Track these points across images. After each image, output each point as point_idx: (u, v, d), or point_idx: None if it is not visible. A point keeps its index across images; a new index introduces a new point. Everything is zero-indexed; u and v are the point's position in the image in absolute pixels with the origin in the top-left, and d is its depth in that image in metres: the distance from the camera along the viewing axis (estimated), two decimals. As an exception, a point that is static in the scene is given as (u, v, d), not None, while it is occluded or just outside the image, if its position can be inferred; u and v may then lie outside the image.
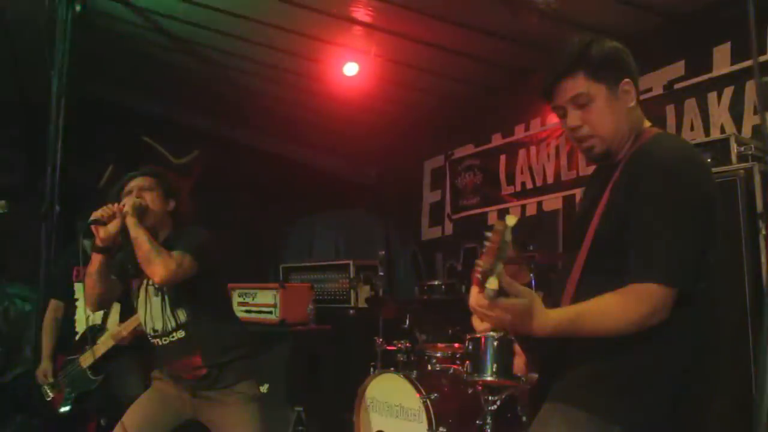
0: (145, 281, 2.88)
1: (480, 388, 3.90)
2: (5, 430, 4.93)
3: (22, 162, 5.65)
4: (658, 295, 1.60)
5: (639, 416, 1.68)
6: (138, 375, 3.65)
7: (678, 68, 4.20)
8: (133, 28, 5.28)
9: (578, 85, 1.79)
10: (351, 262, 5.49)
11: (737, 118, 3.80)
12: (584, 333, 1.63)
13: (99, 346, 3.75)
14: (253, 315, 5.07)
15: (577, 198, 4.77)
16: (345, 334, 5.16)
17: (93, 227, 2.63)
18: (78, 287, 4.00)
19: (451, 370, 4.13)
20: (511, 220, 1.47)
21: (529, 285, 3.92)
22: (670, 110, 4.17)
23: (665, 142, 1.80)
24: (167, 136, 6.74)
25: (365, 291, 5.37)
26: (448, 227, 6.26)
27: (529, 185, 5.36)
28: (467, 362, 3.86)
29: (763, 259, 2.72)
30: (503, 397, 3.84)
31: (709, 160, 2.87)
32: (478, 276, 1.49)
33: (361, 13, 4.58)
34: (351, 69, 5.11)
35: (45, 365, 3.88)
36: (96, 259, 2.66)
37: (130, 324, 3.70)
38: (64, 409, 3.79)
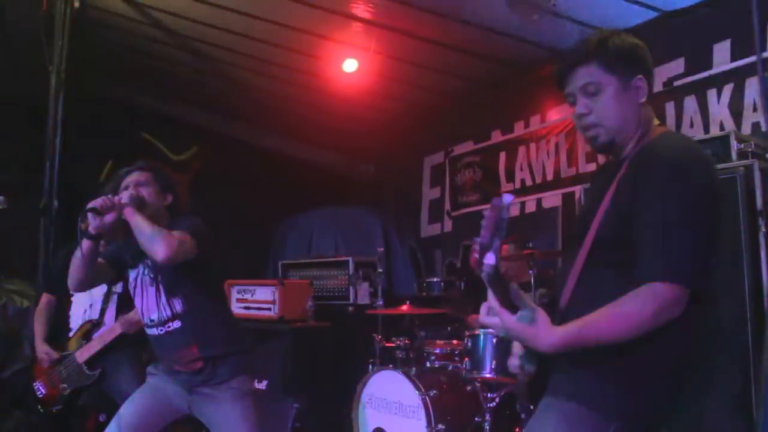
0: (141, 270, 2.88)
1: (479, 385, 3.91)
2: (4, 426, 4.93)
3: (21, 158, 5.64)
4: (665, 293, 1.59)
5: (637, 412, 1.68)
6: (133, 370, 3.64)
7: (678, 65, 4.19)
8: (132, 24, 5.27)
9: (590, 73, 1.82)
10: (350, 259, 5.48)
11: (736, 116, 3.80)
12: (593, 343, 1.61)
13: (95, 341, 3.74)
14: (252, 312, 5.07)
15: (577, 195, 4.76)
16: (344, 330, 5.16)
17: (90, 214, 2.62)
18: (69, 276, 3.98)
19: (450, 367, 4.14)
20: (507, 199, 1.48)
21: (528, 282, 3.93)
22: (669, 107, 4.17)
23: (672, 140, 1.80)
24: (166, 132, 6.75)
25: (364, 288, 5.37)
26: (448, 224, 6.26)
27: (529, 182, 5.36)
28: (466, 359, 3.89)
29: (763, 256, 2.71)
30: (502, 394, 3.86)
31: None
32: (476, 255, 1.49)
33: (360, 10, 4.58)
34: (350, 65, 5.11)
35: (42, 347, 3.86)
36: (85, 244, 2.66)
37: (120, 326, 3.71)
38: (57, 407, 3.78)
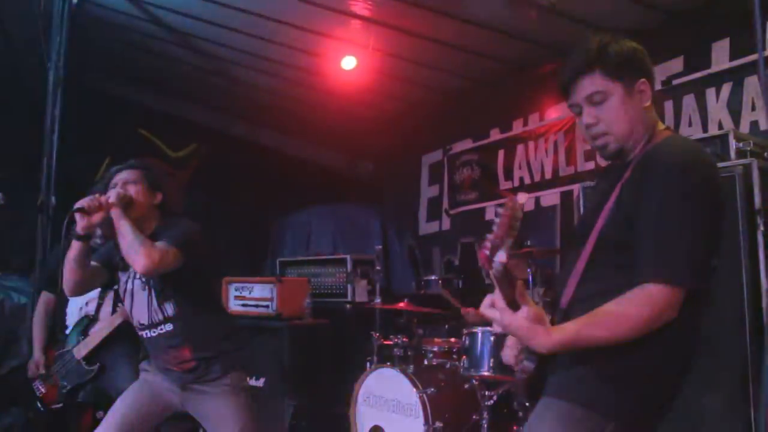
0: (132, 273, 2.86)
1: (476, 383, 3.91)
2: (1, 423, 4.92)
3: (19, 154, 5.63)
4: (662, 295, 1.60)
5: (634, 412, 1.69)
6: (130, 367, 3.63)
7: (677, 64, 4.20)
8: (131, 21, 5.25)
9: (595, 82, 1.81)
10: (348, 257, 5.48)
11: (735, 114, 3.81)
12: (592, 344, 1.62)
13: (93, 337, 3.74)
14: (250, 309, 5.06)
15: (575, 194, 4.76)
16: (342, 328, 5.16)
17: (77, 214, 2.61)
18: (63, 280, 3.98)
19: (448, 365, 4.14)
20: (522, 198, 1.49)
21: (526, 280, 3.93)
22: (668, 106, 4.17)
23: (677, 143, 1.80)
24: (164, 129, 6.73)
25: (362, 285, 5.37)
26: (446, 222, 6.26)
27: (527, 180, 5.36)
28: (464, 357, 3.89)
29: (761, 255, 2.72)
30: (500, 392, 3.86)
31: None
32: (486, 252, 1.50)
33: (359, 7, 4.57)
34: (349, 63, 5.10)
35: (37, 357, 3.87)
36: (75, 246, 2.64)
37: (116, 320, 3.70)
38: (57, 405, 3.78)
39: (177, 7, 4.90)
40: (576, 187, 4.72)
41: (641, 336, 1.60)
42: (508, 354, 1.87)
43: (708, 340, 1.78)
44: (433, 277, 5.27)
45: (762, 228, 2.72)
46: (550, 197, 5.11)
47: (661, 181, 1.67)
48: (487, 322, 4.00)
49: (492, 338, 3.77)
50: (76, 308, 3.88)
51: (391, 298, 4.88)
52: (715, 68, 3.94)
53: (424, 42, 4.96)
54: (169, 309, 2.80)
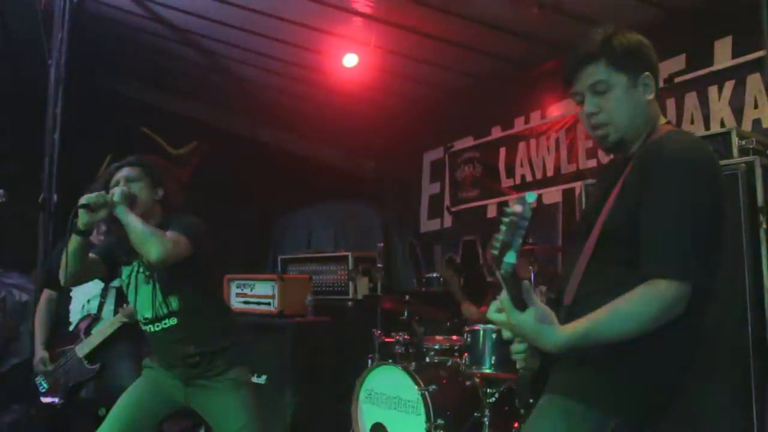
0: (135, 268, 2.87)
1: (478, 380, 3.92)
2: (3, 420, 4.93)
3: (20, 152, 5.63)
4: (669, 290, 1.59)
5: (637, 408, 1.69)
6: (132, 364, 3.64)
7: (679, 62, 4.19)
8: (132, 18, 5.25)
9: (599, 72, 1.80)
10: (350, 254, 5.48)
11: (737, 112, 3.81)
12: (601, 342, 1.62)
13: (95, 335, 3.74)
14: (251, 306, 5.06)
15: (577, 191, 4.76)
16: (343, 325, 5.16)
17: (81, 210, 2.61)
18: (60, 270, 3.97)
19: (450, 362, 4.14)
20: (531, 197, 1.47)
21: (529, 278, 3.93)
22: (670, 104, 4.17)
23: (679, 138, 1.79)
24: (165, 126, 6.73)
25: (364, 282, 5.37)
26: (448, 220, 6.27)
27: (529, 178, 5.36)
28: (466, 354, 3.90)
29: (764, 253, 2.72)
30: (501, 389, 3.86)
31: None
32: (495, 252, 1.49)
33: (360, 4, 4.57)
34: (351, 60, 5.10)
35: (41, 353, 3.87)
36: (74, 239, 2.65)
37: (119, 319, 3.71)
38: (59, 400, 3.78)
39: (178, 4, 4.90)
40: (578, 185, 4.73)
41: (647, 332, 1.60)
42: (519, 350, 1.86)
43: (710, 337, 1.78)
44: (434, 275, 5.27)
45: (765, 225, 2.72)
46: (552, 195, 5.11)
47: (663, 176, 1.67)
48: (482, 319, 4.03)
49: (494, 336, 3.77)
50: (78, 306, 3.89)
51: (392, 295, 4.89)
52: (717, 66, 3.94)
53: (425, 39, 4.95)
54: (174, 303, 2.81)
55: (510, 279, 1.53)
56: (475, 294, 4.87)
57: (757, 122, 3.68)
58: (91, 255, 2.81)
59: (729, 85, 3.85)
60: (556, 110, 5.16)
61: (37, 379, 3.84)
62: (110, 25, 5.46)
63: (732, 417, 2.74)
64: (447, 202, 6.27)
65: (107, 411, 2.94)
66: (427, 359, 4.24)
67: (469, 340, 3.89)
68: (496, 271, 1.52)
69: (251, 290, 5.09)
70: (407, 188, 6.80)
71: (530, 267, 3.95)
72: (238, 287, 5.20)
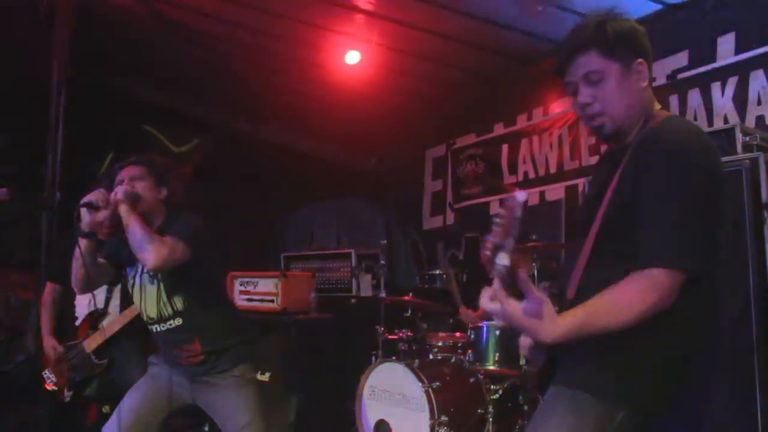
0: (140, 269, 2.88)
1: (482, 376, 3.92)
2: (7, 418, 4.94)
3: (22, 150, 5.63)
4: (664, 280, 1.59)
5: (643, 400, 1.69)
6: (139, 361, 3.64)
7: (681, 58, 4.19)
8: (134, 16, 5.25)
9: (591, 61, 1.78)
10: (353, 251, 5.48)
11: (741, 109, 3.80)
12: (597, 331, 1.61)
13: (103, 330, 3.75)
14: (254, 303, 5.07)
15: (580, 188, 4.77)
16: (346, 322, 5.17)
17: (84, 210, 2.61)
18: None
19: (453, 359, 4.14)
20: (521, 197, 1.45)
21: (532, 275, 3.93)
22: (673, 100, 4.16)
23: (675, 125, 1.77)
24: (167, 124, 6.73)
25: (367, 280, 5.38)
26: (450, 217, 6.27)
27: (532, 175, 5.36)
28: (469, 351, 3.90)
29: (768, 249, 2.72)
30: (505, 385, 3.87)
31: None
32: (488, 252, 1.48)
33: (362, 1, 4.57)
34: (353, 57, 5.11)
35: (49, 341, 3.87)
36: (81, 243, 2.65)
37: (128, 315, 3.71)
38: (67, 395, 3.79)
39: (180, 2, 4.89)
40: (581, 182, 4.74)
41: (646, 322, 1.59)
42: (525, 346, 1.86)
43: (714, 330, 1.79)
44: (437, 272, 5.27)
45: (769, 221, 2.73)
46: (555, 191, 5.11)
47: (659, 165, 1.66)
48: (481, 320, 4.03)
49: (497, 332, 3.78)
50: (85, 300, 3.89)
51: (395, 292, 4.89)
52: (720, 62, 3.93)
53: (427, 36, 4.95)
54: (179, 303, 2.82)
55: (505, 279, 1.51)
56: (478, 294, 4.86)
57: (760, 118, 3.68)
58: (99, 260, 2.81)
59: (732, 82, 3.85)
60: (558, 107, 5.16)
61: (44, 372, 3.85)
62: (113, 23, 5.46)
63: (736, 411, 2.74)
64: (449, 199, 6.28)
65: (112, 407, 2.95)
66: (431, 356, 4.25)
67: (472, 336, 3.90)
68: (491, 272, 1.51)
69: (254, 287, 5.10)
70: (409, 185, 6.80)
71: (533, 264, 3.95)
72: (241, 284, 5.21)
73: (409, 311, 4.48)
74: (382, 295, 4.65)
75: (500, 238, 1.46)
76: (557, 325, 1.58)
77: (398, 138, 6.91)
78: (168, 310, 2.82)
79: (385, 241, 5.03)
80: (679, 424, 1.77)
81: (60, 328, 3.93)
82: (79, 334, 3.82)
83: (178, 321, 2.84)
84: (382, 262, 4.83)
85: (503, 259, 1.44)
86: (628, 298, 1.60)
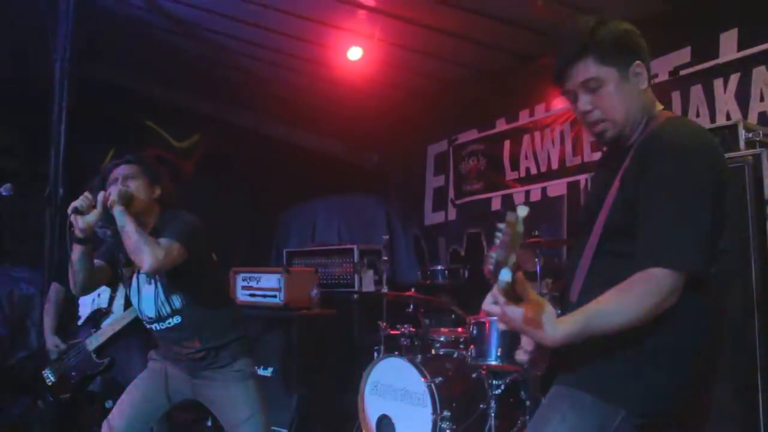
0: (136, 269, 2.87)
1: (484, 372, 3.94)
2: (11, 413, 4.95)
3: (24, 145, 5.64)
4: (665, 280, 1.58)
5: (644, 400, 1.69)
6: (142, 358, 3.65)
7: (684, 54, 4.19)
8: (136, 11, 5.25)
9: (588, 69, 1.76)
10: (355, 247, 5.49)
11: (743, 105, 3.81)
12: (599, 333, 1.59)
13: (105, 329, 3.76)
14: (257, 299, 5.08)
15: (582, 184, 4.77)
16: (349, 318, 5.18)
17: (72, 217, 2.61)
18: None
19: (455, 354, 4.15)
20: (522, 211, 1.43)
21: (534, 272, 3.94)
22: (675, 96, 4.17)
23: (677, 125, 1.77)
24: (170, 119, 6.73)
25: (369, 275, 5.38)
26: (452, 212, 6.28)
27: (534, 171, 5.36)
28: (471, 347, 3.91)
29: (771, 246, 2.72)
30: (507, 381, 3.88)
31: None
32: (491, 268, 1.47)
33: (365, -3, 4.58)
34: (355, 53, 5.11)
35: (52, 339, 3.88)
36: (76, 249, 2.64)
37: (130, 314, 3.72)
38: (65, 394, 3.80)
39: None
40: (582, 178, 4.75)
41: (650, 323, 1.59)
42: (522, 354, 1.84)
43: (717, 329, 1.79)
44: (438, 267, 5.28)
45: (772, 218, 2.73)
46: (557, 187, 5.12)
47: (662, 164, 1.65)
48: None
49: (500, 328, 3.78)
50: (88, 300, 3.90)
51: (397, 288, 4.90)
52: (722, 59, 3.93)
53: (430, 32, 4.95)
54: (177, 302, 2.82)
55: (507, 293, 1.49)
56: (480, 291, 4.87)
57: (762, 115, 3.69)
58: (96, 261, 2.81)
59: (734, 78, 3.85)
60: (560, 103, 5.16)
61: (44, 371, 3.86)
62: (115, 18, 5.46)
63: (738, 410, 2.75)
64: (451, 195, 6.29)
65: (114, 403, 2.96)
66: (433, 351, 4.26)
67: (475, 332, 3.91)
68: (494, 284, 1.50)
69: (257, 283, 5.10)
70: (411, 181, 6.81)
71: (536, 260, 3.96)
72: (244, 280, 5.21)
73: (411, 307, 4.49)
74: (385, 290, 4.66)
75: (502, 255, 1.44)
76: (558, 328, 1.57)
77: (400, 134, 6.91)
78: (166, 309, 2.83)
79: (387, 237, 5.03)
80: (681, 422, 1.77)
81: (63, 327, 3.93)
82: (81, 333, 3.83)
83: (177, 319, 2.84)
84: (385, 257, 4.83)
85: (506, 276, 1.43)
86: (630, 298, 1.59)
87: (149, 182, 2.87)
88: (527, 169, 5.43)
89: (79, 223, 2.59)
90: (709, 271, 1.65)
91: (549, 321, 1.56)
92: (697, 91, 4.07)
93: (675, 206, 1.62)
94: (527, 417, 3.79)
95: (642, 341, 1.64)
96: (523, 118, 5.53)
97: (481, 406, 3.86)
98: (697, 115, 4.03)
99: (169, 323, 2.85)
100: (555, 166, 5.17)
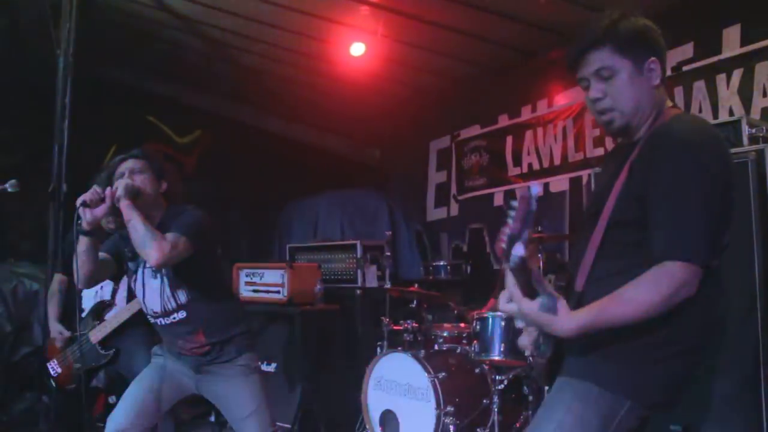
0: (142, 264, 2.89)
1: (487, 367, 3.95)
2: (15, 408, 4.97)
3: (27, 141, 5.65)
4: (680, 273, 1.61)
5: (649, 392, 1.72)
6: (145, 351, 3.66)
7: (687, 50, 4.19)
8: (139, 8, 5.25)
9: (604, 57, 1.81)
10: (358, 242, 5.50)
11: (746, 101, 3.80)
12: (613, 326, 1.63)
13: (109, 321, 3.77)
14: (260, 295, 5.09)
15: (584, 180, 4.78)
16: (352, 313, 5.19)
17: (80, 210, 2.62)
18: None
19: (458, 350, 4.17)
20: (534, 189, 1.48)
21: (537, 266, 3.94)
22: (678, 92, 4.16)
23: (686, 120, 1.81)
24: (172, 115, 6.74)
25: (372, 271, 5.39)
26: (454, 208, 6.29)
27: (536, 166, 5.37)
28: (474, 342, 3.92)
29: (774, 240, 2.73)
30: (510, 376, 3.89)
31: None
32: (503, 245, 1.51)
33: (368, -7, 4.57)
34: (358, 49, 5.10)
35: (55, 326, 3.89)
36: (83, 241, 2.66)
37: (134, 306, 3.73)
38: (70, 386, 3.82)
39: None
40: (585, 173, 4.75)
41: (658, 315, 1.62)
42: (526, 340, 1.89)
43: (720, 323, 1.80)
44: (441, 263, 5.29)
45: (774, 213, 2.73)
46: (560, 183, 5.12)
47: (671, 159, 1.68)
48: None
49: (502, 323, 3.80)
50: (91, 292, 3.91)
51: (400, 283, 4.91)
52: (725, 54, 3.93)
53: (432, 28, 4.95)
54: (182, 296, 2.83)
55: (519, 270, 1.55)
56: (481, 286, 4.90)
57: (765, 110, 3.68)
58: (101, 255, 2.82)
59: (737, 74, 3.85)
60: (563, 98, 5.17)
61: (49, 363, 3.88)
62: (117, 15, 5.46)
63: (740, 404, 2.75)
64: (454, 191, 6.29)
65: (118, 398, 2.97)
66: (436, 347, 4.27)
67: (478, 327, 3.92)
68: (505, 263, 1.54)
69: (260, 279, 5.11)
70: (414, 177, 6.81)
71: (539, 255, 3.96)
72: (247, 276, 5.22)
73: (414, 302, 4.50)
74: (388, 286, 4.67)
75: (516, 230, 1.48)
76: (572, 320, 1.62)
77: (403, 129, 6.92)
78: (171, 304, 2.84)
79: (390, 233, 5.04)
80: (685, 413, 1.79)
81: (66, 320, 3.95)
82: (85, 326, 3.84)
83: (182, 314, 2.85)
84: (387, 253, 4.84)
85: (519, 250, 1.47)
86: (644, 291, 1.62)
87: (155, 176, 2.89)
88: (530, 165, 5.44)
89: (87, 216, 2.62)
90: (717, 264, 1.69)
91: (563, 313, 1.61)
92: (699, 87, 4.07)
93: (686, 200, 1.65)
94: (530, 412, 3.81)
95: (647, 333, 1.66)
96: (526, 113, 5.53)
97: (485, 401, 3.87)
98: (700, 111, 4.03)
99: (174, 318, 2.86)
100: (557, 161, 5.17)
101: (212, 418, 4.65)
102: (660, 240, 1.65)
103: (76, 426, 3.89)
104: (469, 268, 5.24)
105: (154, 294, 2.87)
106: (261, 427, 2.86)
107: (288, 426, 4.49)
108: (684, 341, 1.71)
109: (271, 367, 4.73)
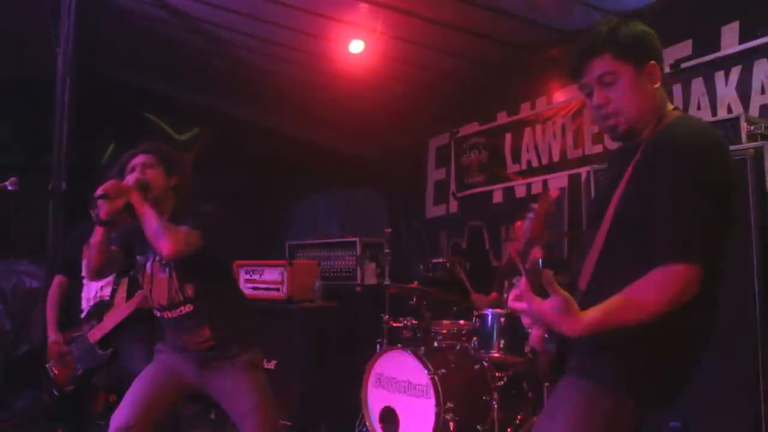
0: (151, 257, 2.90)
1: (487, 364, 3.96)
2: (16, 406, 4.98)
3: (26, 139, 5.65)
4: (686, 274, 1.62)
5: (653, 390, 1.74)
6: (144, 350, 3.67)
7: (685, 47, 4.18)
8: (138, 5, 5.25)
9: (605, 64, 1.85)
10: (357, 240, 5.51)
11: (744, 98, 3.80)
12: (620, 326, 1.64)
13: (107, 321, 3.78)
14: (260, 292, 5.10)
15: (583, 177, 4.78)
16: (351, 311, 5.20)
17: (99, 201, 2.64)
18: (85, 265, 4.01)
19: (458, 347, 4.18)
20: (554, 194, 1.55)
21: (551, 270, 3.95)
22: (676, 90, 4.16)
23: (688, 123, 1.83)
24: (171, 113, 6.73)
25: (371, 268, 5.40)
26: (453, 205, 6.29)
27: (535, 163, 5.37)
28: (474, 339, 3.93)
29: (772, 238, 2.74)
30: (510, 373, 3.91)
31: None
32: (520, 248, 1.53)
33: (366, -10, 4.57)
34: (356, 46, 5.10)
35: (54, 337, 3.91)
36: (98, 231, 2.69)
37: (132, 304, 3.74)
38: (69, 387, 3.82)
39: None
40: (584, 170, 4.74)
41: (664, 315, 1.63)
42: (536, 337, 1.90)
43: (720, 321, 1.82)
44: (440, 260, 5.30)
45: (773, 210, 2.74)
46: (558, 180, 5.13)
47: (673, 161, 1.70)
48: (492, 306, 4.07)
49: (502, 320, 3.81)
50: (91, 292, 3.92)
51: (399, 280, 4.92)
52: (724, 52, 3.93)
53: (431, 25, 4.95)
54: (190, 290, 2.84)
55: (533, 272, 1.57)
56: (481, 281, 4.90)
57: (764, 108, 3.68)
58: (112, 246, 2.84)
59: (736, 71, 3.85)
60: (562, 95, 5.17)
61: (47, 365, 3.88)
62: (116, 12, 5.45)
63: (740, 402, 2.77)
64: (453, 188, 6.30)
65: (119, 397, 2.98)
66: (436, 343, 4.28)
67: (478, 324, 3.93)
68: (521, 265, 1.56)
69: (260, 276, 5.13)
70: (413, 174, 6.82)
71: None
72: (247, 273, 5.24)
73: (414, 299, 4.51)
74: (387, 283, 4.68)
75: (537, 232, 1.51)
76: (581, 320, 1.62)
77: (402, 126, 6.91)
78: (179, 297, 2.85)
79: (389, 230, 5.05)
80: (688, 412, 1.81)
81: (66, 320, 3.96)
82: (84, 326, 3.85)
83: (189, 307, 2.86)
84: (387, 250, 4.85)
85: (536, 252, 1.49)
86: (648, 293, 1.63)
87: (166, 171, 2.91)
88: (528, 162, 5.44)
89: (105, 207, 2.64)
90: (719, 265, 1.71)
91: (572, 313, 1.62)
92: (698, 84, 4.07)
93: (689, 202, 1.66)
94: (530, 409, 3.82)
95: (650, 333, 1.67)
96: (525, 110, 5.53)
97: (484, 397, 3.89)
98: (698, 108, 4.04)
99: (181, 311, 2.87)
100: (556, 158, 5.18)
101: (212, 416, 4.65)
102: (664, 242, 1.67)
103: (77, 425, 3.91)
104: (468, 265, 5.24)
105: (162, 287, 2.87)
106: (264, 423, 2.86)
107: (288, 423, 4.50)
108: (687, 340, 1.74)
109: (270, 365, 4.74)
